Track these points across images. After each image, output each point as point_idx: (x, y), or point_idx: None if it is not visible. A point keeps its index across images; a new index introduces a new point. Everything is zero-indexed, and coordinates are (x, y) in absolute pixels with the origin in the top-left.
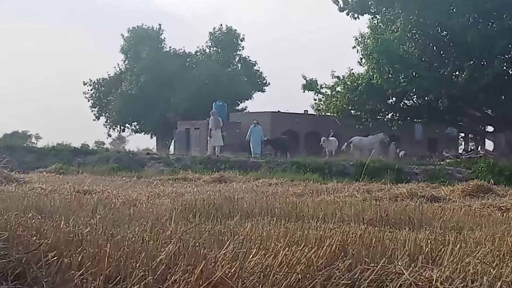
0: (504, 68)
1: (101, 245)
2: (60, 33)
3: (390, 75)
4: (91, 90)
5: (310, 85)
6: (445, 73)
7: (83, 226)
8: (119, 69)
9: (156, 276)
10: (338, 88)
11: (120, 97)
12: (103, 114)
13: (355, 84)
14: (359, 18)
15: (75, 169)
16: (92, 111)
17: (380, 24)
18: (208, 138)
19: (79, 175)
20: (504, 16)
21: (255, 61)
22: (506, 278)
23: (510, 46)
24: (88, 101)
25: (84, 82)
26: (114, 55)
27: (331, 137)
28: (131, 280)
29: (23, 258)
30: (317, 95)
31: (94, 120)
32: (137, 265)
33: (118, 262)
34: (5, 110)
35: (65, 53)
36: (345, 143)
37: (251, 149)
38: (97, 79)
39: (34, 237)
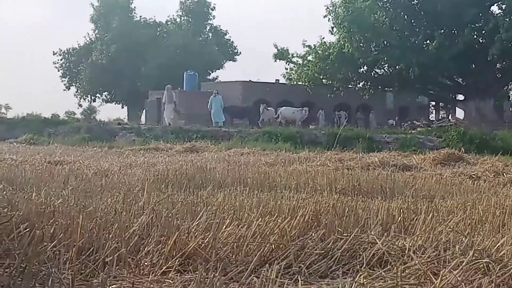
0: (475, 37)
1: (73, 216)
2: (30, 2)
3: (361, 44)
4: (61, 60)
5: (282, 54)
6: (416, 42)
7: (55, 198)
8: (89, 39)
9: (129, 247)
10: (310, 57)
11: (91, 67)
12: (74, 84)
13: (326, 53)
14: None
15: (45, 139)
16: (62, 81)
17: None
18: (163, 111)
19: (50, 145)
20: None
21: (226, 31)
22: (478, 246)
23: (480, 14)
24: (58, 71)
25: (53, 52)
26: (84, 25)
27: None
28: (104, 251)
29: None
30: (288, 64)
31: (64, 90)
32: (110, 236)
33: (90, 233)
34: None
35: (35, 23)
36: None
37: (212, 118)
38: (67, 49)
39: (5, 209)
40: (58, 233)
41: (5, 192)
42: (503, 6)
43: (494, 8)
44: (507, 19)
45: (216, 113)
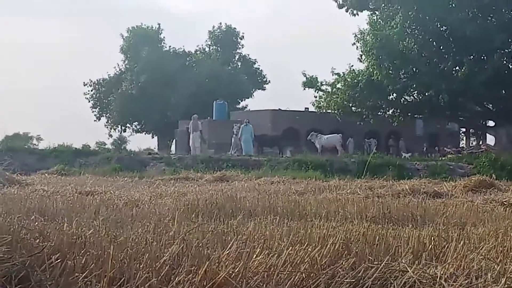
0: (504, 62)
1: (104, 247)
2: (60, 33)
3: (390, 71)
4: (91, 90)
5: (311, 82)
6: (445, 68)
7: (86, 228)
8: (119, 69)
9: (160, 277)
10: (339, 85)
11: (121, 97)
12: (104, 115)
13: (355, 80)
14: (358, 15)
15: (76, 170)
16: (92, 111)
17: (379, 20)
18: (188, 140)
19: (81, 176)
20: (503, 10)
21: (255, 59)
22: (510, 274)
23: (509, 40)
24: (89, 101)
25: (84, 82)
26: (114, 55)
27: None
28: (135, 281)
29: (26, 261)
30: (317, 92)
31: (95, 120)
32: (141, 266)
33: (121, 263)
34: (6, 112)
35: (65, 53)
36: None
37: (242, 148)
38: (97, 80)
39: (37, 240)
40: (89, 264)
41: (36, 223)
42: None
43: None
44: None
45: (246, 142)
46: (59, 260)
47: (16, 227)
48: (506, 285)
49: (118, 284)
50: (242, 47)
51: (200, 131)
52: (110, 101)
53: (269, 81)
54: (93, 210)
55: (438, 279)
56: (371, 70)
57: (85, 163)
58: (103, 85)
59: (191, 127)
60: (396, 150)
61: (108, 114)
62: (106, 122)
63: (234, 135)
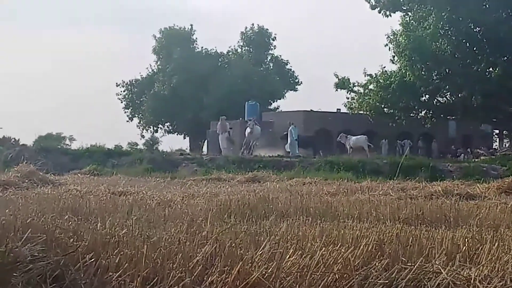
0: None
1: (137, 246)
2: (93, 35)
3: (422, 72)
4: (123, 91)
5: (343, 84)
6: (479, 69)
7: (119, 228)
8: (152, 70)
9: (193, 277)
10: (371, 86)
11: (153, 98)
12: (136, 115)
13: (387, 82)
14: (391, 16)
15: (109, 170)
16: (125, 112)
17: (412, 21)
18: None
19: (113, 176)
20: None
21: (287, 60)
22: None
23: None
24: (121, 102)
25: (117, 83)
26: (146, 56)
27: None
28: (168, 281)
29: (61, 261)
30: (349, 94)
31: (127, 121)
32: (174, 266)
33: (155, 263)
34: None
35: (98, 54)
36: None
37: (290, 149)
38: (129, 80)
39: (71, 239)
40: (123, 263)
41: (70, 222)
42: None
43: None
44: None
45: (292, 144)
46: (93, 260)
47: (50, 227)
48: None
49: (152, 283)
50: (274, 48)
51: (228, 132)
52: (142, 102)
53: (301, 82)
54: (126, 210)
55: (472, 281)
56: (403, 71)
57: (117, 164)
58: (136, 86)
59: (219, 128)
60: (424, 152)
61: (140, 114)
62: (138, 123)
63: (223, 134)
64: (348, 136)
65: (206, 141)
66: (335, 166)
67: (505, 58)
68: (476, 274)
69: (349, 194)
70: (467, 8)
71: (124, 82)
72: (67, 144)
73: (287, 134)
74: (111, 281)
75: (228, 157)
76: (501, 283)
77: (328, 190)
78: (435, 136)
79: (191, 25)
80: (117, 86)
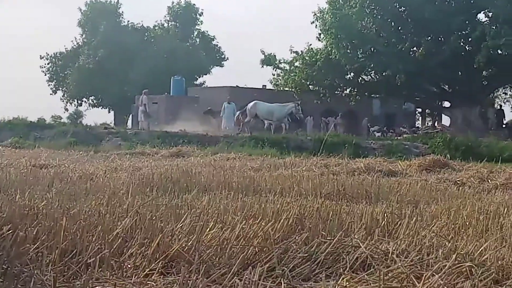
0: (461, 44)
1: (57, 218)
2: (16, 6)
3: (348, 51)
4: (48, 64)
5: (269, 60)
6: (403, 48)
7: (39, 200)
8: (77, 43)
9: (112, 249)
10: (297, 63)
11: (78, 71)
12: (60, 88)
13: (313, 59)
14: None
15: (31, 143)
16: (49, 85)
17: None
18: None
19: (35, 149)
20: None
21: (214, 36)
22: (461, 251)
23: (466, 22)
24: (45, 75)
25: (40, 56)
26: (71, 29)
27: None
28: (87, 253)
29: None
30: (275, 70)
31: (51, 94)
32: (93, 238)
33: (74, 235)
34: None
35: (22, 27)
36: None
37: (223, 124)
38: (54, 53)
39: None
40: (41, 235)
41: None
42: (490, 14)
43: (481, 16)
44: (494, 27)
45: (228, 119)
46: (10, 231)
47: None
48: (456, 261)
49: (70, 256)
50: (201, 24)
51: (144, 105)
52: (67, 75)
53: (227, 58)
54: (46, 183)
55: (390, 255)
56: (329, 49)
57: (40, 137)
58: (60, 59)
59: (139, 101)
60: (345, 129)
61: (64, 88)
62: (62, 96)
63: (140, 107)
64: None
65: (131, 116)
66: (259, 142)
67: (429, 38)
68: (394, 248)
69: (272, 169)
70: None
71: (48, 54)
72: None
73: (222, 109)
74: (29, 253)
75: (153, 132)
76: (418, 257)
77: (251, 165)
78: (359, 114)
79: None
80: (41, 58)
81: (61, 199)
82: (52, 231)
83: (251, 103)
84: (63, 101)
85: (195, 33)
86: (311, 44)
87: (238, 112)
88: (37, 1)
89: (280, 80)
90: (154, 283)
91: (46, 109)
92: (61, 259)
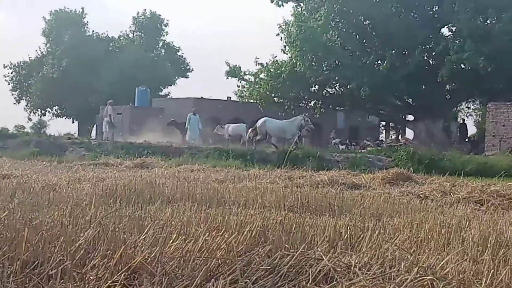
0: (425, 58)
1: (18, 229)
2: None
3: (313, 63)
4: (11, 73)
5: (234, 72)
6: (367, 62)
7: (0, 211)
8: (41, 53)
9: (74, 261)
10: (262, 75)
11: (42, 80)
12: (24, 98)
13: (278, 71)
14: (283, 6)
15: None
16: (12, 94)
17: (304, 12)
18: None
19: None
20: (425, 7)
21: (179, 47)
22: (423, 264)
23: (430, 36)
24: (9, 84)
25: (4, 65)
26: (35, 38)
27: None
28: (49, 265)
29: None
30: (240, 82)
31: (14, 103)
32: (56, 249)
33: (36, 246)
34: None
35: None
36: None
37: (188, 136)
38: (17, 62)
39: None
40: (2, 246)
41: None
42: (453, 29)
43: (445, 30)
44: (457, 41)
45: (192, 131)
46: None
47: None
48: (418, 275)
49: (32, 267)
50: (166, 35)
51: (109, 116)
52: (31, 84)
53: (192, 69)
54: (8, 193)
55: (352, 268)
56: (294, 61)
57: (2, 146)
58: (24, 68)
59: (102, 112)
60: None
61: (28, 97)
62: (26, 106)
63: (105, 118)
64: (226, 124)
65: (95, 126)
66: (224, 154)
67: (393, 51)
68: (356, 261)
69: (237, 181)
70: (357, 1)
71: (11, 63)
72: None
73: (187, 120)
74: None
75: (117, 142)
76: (380, 270)
77: (215, 177)
78: (323, 126)
79: (82, 8)
80: (4, 67)
81: (23, 209)
82: (14, 242)
83: (260, 121)
84: (27, 110)
85: (160, 43)
86: (276, 56)
87: (249, 130)
88: (1, 10)
89: (245, 91)
90: None
91: (9, 118)
92: (22, 270)
